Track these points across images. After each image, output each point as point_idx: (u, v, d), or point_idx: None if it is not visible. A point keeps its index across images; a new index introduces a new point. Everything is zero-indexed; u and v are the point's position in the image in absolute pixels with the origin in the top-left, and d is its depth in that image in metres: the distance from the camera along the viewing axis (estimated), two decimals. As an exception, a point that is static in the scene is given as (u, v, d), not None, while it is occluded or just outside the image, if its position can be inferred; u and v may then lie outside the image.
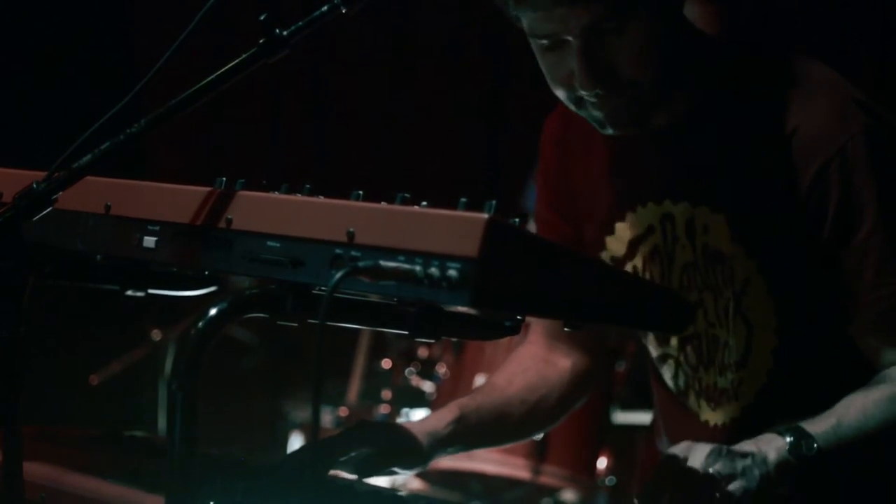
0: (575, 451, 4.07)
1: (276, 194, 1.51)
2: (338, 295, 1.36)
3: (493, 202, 1.33)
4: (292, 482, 1.71)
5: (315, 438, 1.71)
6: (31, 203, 1.54)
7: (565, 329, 1.56)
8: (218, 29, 5.31)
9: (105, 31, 5.48)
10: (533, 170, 2.39)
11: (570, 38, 1.84)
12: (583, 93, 1.87)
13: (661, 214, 2.02)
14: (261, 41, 1.59)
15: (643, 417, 4.04)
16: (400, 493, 1.82)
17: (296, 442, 4.83)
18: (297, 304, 1.46)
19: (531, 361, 2.25)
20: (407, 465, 2.00)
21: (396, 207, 1.39)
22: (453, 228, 1.32)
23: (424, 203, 1.38)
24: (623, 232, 2.08)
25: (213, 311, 1.42)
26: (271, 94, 5.63)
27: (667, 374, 2.14)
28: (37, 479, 1.71)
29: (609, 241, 2.09)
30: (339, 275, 1.34)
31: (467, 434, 2.08)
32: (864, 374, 1.92)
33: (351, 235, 1.39)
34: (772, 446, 1.78)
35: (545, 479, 4.03)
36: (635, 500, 1.75)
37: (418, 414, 4.45)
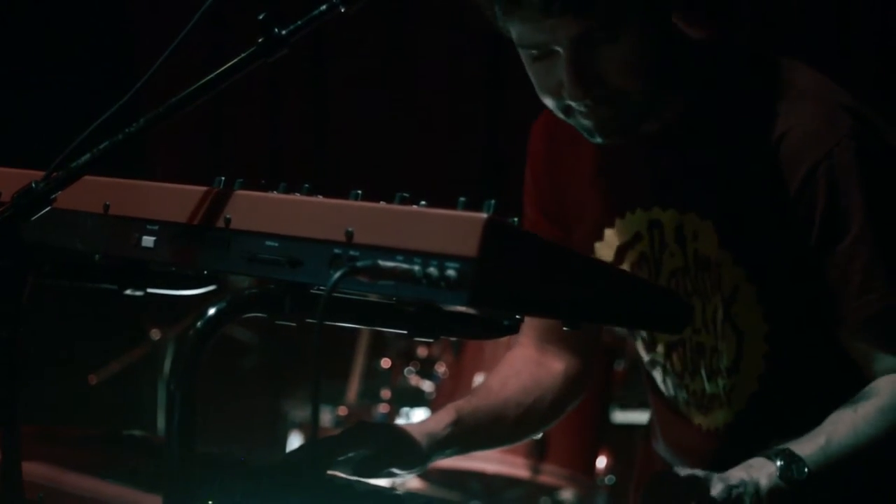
0: (574, 451, 4.07)
1: (274, 194, 1.51)
2: (336, 294, 1.36)
3: (492, 202, 1.32)
4: (291, 482, 1.71)
5: (314, 438, 1.71)
6: (29, 202, 1.54)
7: (564, 329, 1.56)
8: (217, 28, 5.31)
9: (104, 31, 5.47)
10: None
11: (559, 48, 1.83)
12: (571, 102, 1.87)
13: (648, 221, 2.02)
14: (260, 40, 1.59)
15: (642, 417, 4.04)
16: (399, 493, 1.82)
17: (295, 441, 4.83)
18: (295, 303, 1.46)
19: (523, 364, 2.24)
20: (406, 467, 1.99)
21: (395, 207, 1.39)
22: (452, 228, 1.31)
23: (423, 203, 1.38)
24: (611, 238, 2.07)
25: (211, 311, 1.42)
26: (271, 94, 5.62)
27: (657, 378, 2.14)
28: (35, 479, 1.71)
29: (598, 246, 2.09)
30: (337, 274, 1.34)
31: (464, 436, 2.08)
32: (856, 378, 1.90)
33: (349, 235, 1.39)
34: (763, 473, 1.75)
35: (544, 479, 4.03)
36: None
37: (418, 413, 4.45)
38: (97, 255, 1.68)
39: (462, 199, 1.36)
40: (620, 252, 2.06)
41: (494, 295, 1.32)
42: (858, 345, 1.90)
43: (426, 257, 1.32)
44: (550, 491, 4.18)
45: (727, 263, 1.94)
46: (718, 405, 2.04)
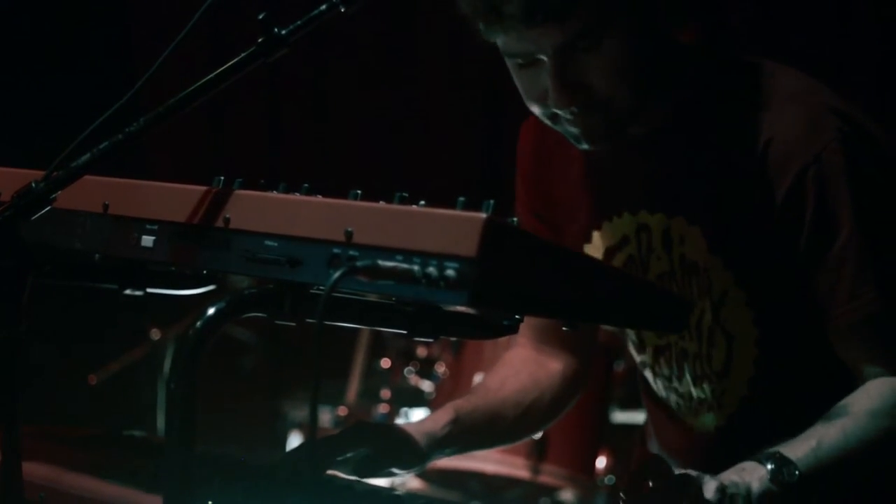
0: (574, 451, 4.07)
1: (274, 194, 1.51)
2: (336, 294, 1.36)
3: (492, 202, 1.32)
4: (291, 482, 1.71)
5: (313, 437, 1.71)
6: (29, 202, 1.54)
7: (563, 329, 1.56)
8: (217, 28, 5.31)
9: (104, 31, 5.47)
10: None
11: (543, 57, 1.82)
12: (557, 111, 1.86)
13: (636, 225, 2.01)
14: (260, 40, 1.60)
15: (642, 417, 4.02)
16: (398, 493, 1.82)
17: (294, 441, 4.83)
18: (295, 303, 1.46)
19: (522, 364, 2.24)
20: (405, 466, 1.99)
21: (395, 207, 1.39)
22: (451, 228, 1.31)
23: (422, 202, 1.38)
24: (599, 240, 2.07)
25: (211, 311, 1.42)
26: (271, 94, 5.62)
27: (649, 379, 2.14)
28: (35, 479, 1.71)
29: (586, 248, 2.08)
30: (337, 274, 1.34)
31: (463, 436, 2.08)
32: (845, 381, 1.90)
33: (349, 235, 1.39)
34: (754, 477, 1.75)
35: (544, 479, 4.03)
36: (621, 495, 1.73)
37: (417, 413, 4.45)
38: (97, 255, 1.68)
39: (461, 198, 1.36)
40: (608, 255, 2.06)
41: (494, 295, 1.32)
42: (847, 348, 1.89)
43: (425, 257, 1.32)
44: (550, 491, 4.18)
45: (716, 268, 1.93)
46: (707, 409, 2.04)
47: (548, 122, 1.91)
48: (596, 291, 1.43)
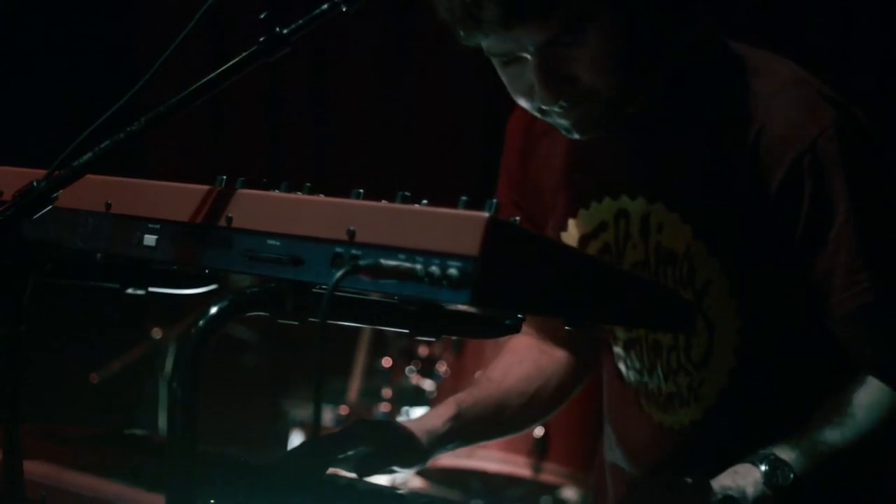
0: (575, 449, 4.07)
1: (276, 192, 1.51)
2: (338, 293, 1.36)
3: (494, 201, 1.32)
4: (293, 481, 1.71)
5: (315, 436, 1.71)
6: (31, 201, 1.54)
7: (566, 328, 1.56)
8: (218, 27, 5.31)
9: (105, 30, 5.48)
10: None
11: (526, 54, 1.82)
12: (544, 106, 1.86)
13: (616, 210, 1.99)
14: (261, 39, 1.59)
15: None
16: (400, 492, 1.82)
17: (296, 440, 4.83)
18: (297, 302, 1.46)
19: (527, 352, 2.24)
20: (406, 464, 1.99)
21: (397, 206, 1.38)
22: (454, 227, 1.31)
23: (425, 201, 1.38)
24: (573, 229, 2.05)
25: (213, 310, 1.42)
26: (271, 93, 5.62)
27: (622, 371, 2.11)
28: (37, 478, 1.71)
29: (563, 237, 2.06)
30: (339, 273, 1.34)
31: (466, 429, 2.08)
32: (829, 374, 1.89)
33: (351, 234, 1.39)
34: (748, 480, 1.75)
35: (546, 477, 4.03)
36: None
37: (419, 412, 4.45)
38: (99, 254, 1.68)
39: (464, 198, 1.36)
40: (583, 242, 2.03)
41: (496, 294, 1.32)
42: (843, 337, 1.88)
43: (428, 256, 1.32)
44: (552, 489, 4.18)
45: (700, 254, 1.91)
46: (680, 403, 2.01)
47: (537, 114, 1.90)
48: (598, 290, 1.43)
